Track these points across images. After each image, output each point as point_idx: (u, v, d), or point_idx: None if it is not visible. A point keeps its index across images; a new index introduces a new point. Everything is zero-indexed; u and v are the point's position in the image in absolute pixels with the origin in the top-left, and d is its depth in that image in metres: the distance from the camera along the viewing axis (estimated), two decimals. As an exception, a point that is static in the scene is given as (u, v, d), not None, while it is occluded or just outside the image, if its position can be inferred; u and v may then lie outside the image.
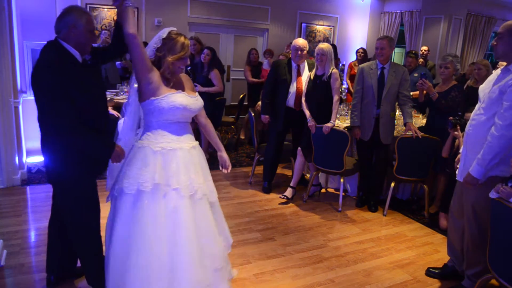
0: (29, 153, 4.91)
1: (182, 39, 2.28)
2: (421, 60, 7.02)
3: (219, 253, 2.41)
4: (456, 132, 3.32)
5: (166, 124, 2.27)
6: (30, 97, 4.85)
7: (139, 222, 2.15)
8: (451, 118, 3.42)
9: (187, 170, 2.26)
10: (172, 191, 2.19)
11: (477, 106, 2.66)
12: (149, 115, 2.28)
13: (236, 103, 7.17)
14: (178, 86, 2.32)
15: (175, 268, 2.18)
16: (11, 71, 4.17)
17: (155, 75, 2.22)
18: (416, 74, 6.02)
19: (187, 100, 2.29)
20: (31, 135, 4.91)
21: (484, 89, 2.66)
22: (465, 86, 4.96)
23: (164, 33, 2.27)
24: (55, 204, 2.58)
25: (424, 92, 4.16)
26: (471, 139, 2.63)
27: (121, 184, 2.22)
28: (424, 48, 7.43)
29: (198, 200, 2.28)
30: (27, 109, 4.81)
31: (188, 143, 2.32)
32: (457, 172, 2.84)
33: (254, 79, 6.80)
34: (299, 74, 4.39)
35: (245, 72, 6.91)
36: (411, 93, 4.44)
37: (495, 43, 2.57)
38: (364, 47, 9.21)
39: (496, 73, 2.69)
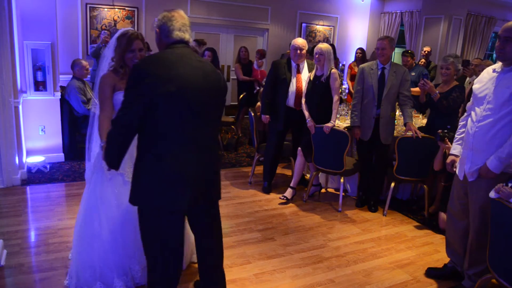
0: (29, 153, 4.91)
1: (129, 34, 2.49)
2: (422, 60, 7.01)
3: None
4: (446, 145, 3.37)
5: None
6: (30, 97, 4.86)
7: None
8: (440, 131, 3.45)
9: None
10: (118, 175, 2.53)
11: (481, 107, 2.62)
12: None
13: (236, 103, 7.18)
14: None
15: None
16: (11, 71, 4.17)
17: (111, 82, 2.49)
18: (413, 74, 6.03)
19: None
20: (31, 135, 4.92)
21: (482, 89, 2.65)
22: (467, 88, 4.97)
23: (118, 33, 2.52)
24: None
25: (425, 92, 4.17)
26: (479, 139, 2.61)
27: None
28: (427, 48, 7.41)
29: None
30: (27, 109, 4.82)
31: None
32: (457, 173, 2.84)
33: (244, 77, 6.85)
34: (298, 72, 4.40)
35: (236, 70, 6.94)
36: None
37: (502, 46, 2.51)
38: (364, 47, 9.22)
39: (489, 73, 2.67)
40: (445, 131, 3.46)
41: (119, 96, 2.45)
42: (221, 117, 2.28)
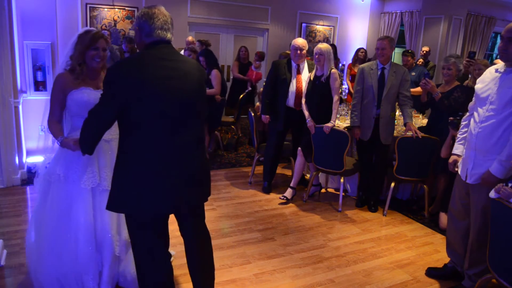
0: (29, 153, 4.90)
1: (93, 32, 2.42)
2: (421, 60, 7.01)
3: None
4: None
5: (78, 119, 2.41)
6: (30, 97, 4.86)
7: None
8: (451, 118, 3.42)
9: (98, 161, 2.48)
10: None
11: (484, 107, 2.62)
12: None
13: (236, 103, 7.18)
14: (88, 81, 2.47)
15: None
16: (11, 71, 4.17)
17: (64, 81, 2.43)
18: (414, 74, 6.03)
19: (94, 95, 2.41)
20: (31, 135, 4.91)
21: (485, 89, 2.65)
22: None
23: (81, 31, 2.45)
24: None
25: (427, 91, 4.16)
26: (482, 140, 2.61)
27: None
28: (425, 48, 7.42)
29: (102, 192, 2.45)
30: (27, 109, 4.82)
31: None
32: (459, 173, 2.83)
33: (239, 74, 6.92)
34: (298, 72, 4.40)
35: (233, 66, 7.12)
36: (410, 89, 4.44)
37: (505, 47, 2.49)
38: (364, 47, 9.21)
39: (491, 73, 2.67)
40: (457, 118, 3.42)
41: (74, 96, 2.44)
42: (205, 115, 2.19)
